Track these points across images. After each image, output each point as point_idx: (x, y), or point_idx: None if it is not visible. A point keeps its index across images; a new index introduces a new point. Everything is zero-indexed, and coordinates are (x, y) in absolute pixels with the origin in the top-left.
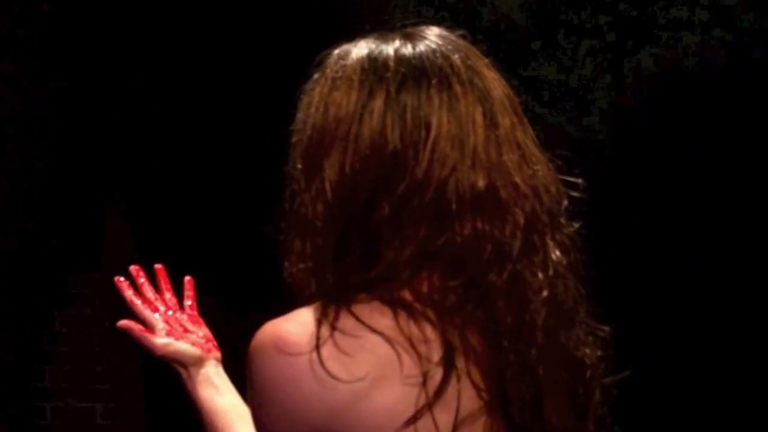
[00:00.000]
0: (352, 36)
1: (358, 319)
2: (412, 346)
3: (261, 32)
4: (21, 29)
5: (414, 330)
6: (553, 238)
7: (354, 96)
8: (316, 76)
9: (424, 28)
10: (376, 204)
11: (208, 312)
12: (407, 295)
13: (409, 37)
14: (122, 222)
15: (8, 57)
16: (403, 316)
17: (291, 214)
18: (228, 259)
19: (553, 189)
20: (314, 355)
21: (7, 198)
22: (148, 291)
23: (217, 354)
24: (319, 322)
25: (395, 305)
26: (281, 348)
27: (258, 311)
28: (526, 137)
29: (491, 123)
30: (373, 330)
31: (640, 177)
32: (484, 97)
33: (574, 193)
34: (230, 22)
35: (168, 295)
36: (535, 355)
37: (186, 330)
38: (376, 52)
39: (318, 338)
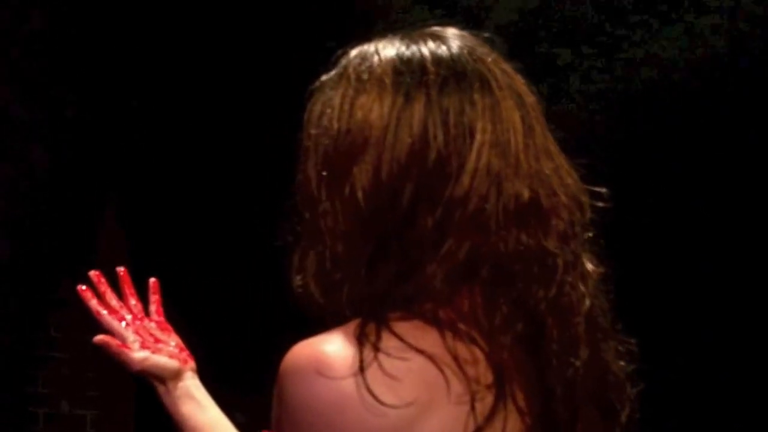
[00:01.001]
0: (353, 34)
1: (402, 339)
2: (460, 367)
3: (259, 33)
4: (21, 32)
5: (461, 350)
6: (585, 249)
7: (388, 99)
8: (330, 77)
9: (442, 29)
10: (416, 214)
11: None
12: (449, 313)
13: (439, 38)
14: (118, 226)
15: (6, 58)
16: (449, 336)
17: (306, 224)
18: (226, 266)
19: (583, 199)
20: (359, 378)
21: (1, 202)
22: (112, 299)
23: (193, 364)
24: (360, 343)
25: (439, 324)
26: (322, 371)
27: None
28: (554, 145)
29: (528, 130)
30: (420, 351)
31: (651, 180)
32: (520, 103)
33: (600, 203)
34: (228, 22)
35: (133, 302)
36: (581, 371)
37: (157, 340)
38: (408, 52)
39: (361, 360)
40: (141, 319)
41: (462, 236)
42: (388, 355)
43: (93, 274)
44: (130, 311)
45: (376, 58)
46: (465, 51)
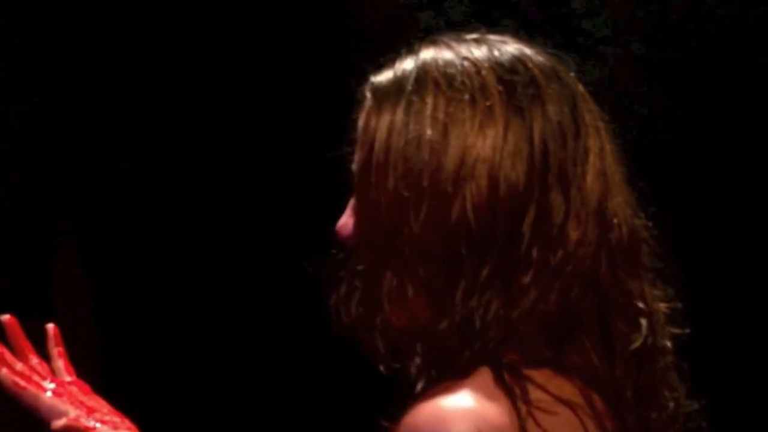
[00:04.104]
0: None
1: (547, 390)
2: (599, 420)
3: (249, 41)
4: None
5: (596, 402)
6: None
7: (499, 112)
8: (400, 80)
9: (504, 37)
10: (534, 243)
11: None
12: (568, 360)
13: (527, 47)
14: (75, 262)
15: None
16: (580, 385)
17: (377, 250)
18: (201, 300)
19: (647, 233)
20: None
21: None
22: (15, 362)
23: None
24: (509, 396)
25: (569, 372)
26: (484, 430)
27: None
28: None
29: (615, 156)
30: (565, 402)
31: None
32: (607, 128)
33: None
34: (212, 28)
35: (35, 360)
36: (667, 421)
37: (90, 409)
38: (506, 60)
39: (518, 415)
40: (62, 384)
41: (578, 273)
42: (539, 409)
43: None
44: (40, 375)
45: (467, 63)
46: (556, 63)
